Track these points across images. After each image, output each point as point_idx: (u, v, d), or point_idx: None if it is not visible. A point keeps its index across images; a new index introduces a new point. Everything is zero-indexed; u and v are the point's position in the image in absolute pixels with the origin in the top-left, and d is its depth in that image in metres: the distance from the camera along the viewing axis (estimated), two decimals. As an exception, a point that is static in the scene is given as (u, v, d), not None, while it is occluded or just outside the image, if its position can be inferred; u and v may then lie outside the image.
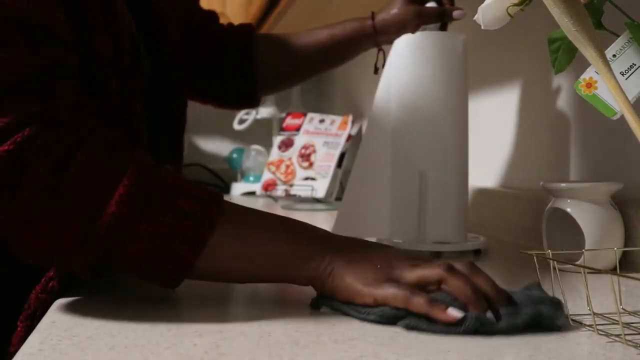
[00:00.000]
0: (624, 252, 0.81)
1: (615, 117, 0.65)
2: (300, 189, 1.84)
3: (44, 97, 0.57)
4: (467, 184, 0.97)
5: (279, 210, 1.64)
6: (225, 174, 2.43)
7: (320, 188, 1.81)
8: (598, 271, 0.57)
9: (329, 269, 0.57)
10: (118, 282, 0.72)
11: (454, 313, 0.50)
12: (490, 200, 1.16)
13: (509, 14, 0.64)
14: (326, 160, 1.86)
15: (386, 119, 0.97)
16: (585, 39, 0.55)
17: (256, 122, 2.27)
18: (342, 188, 2.01)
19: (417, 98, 0.93)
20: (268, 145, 2.34)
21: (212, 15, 1.09)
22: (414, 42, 0.95)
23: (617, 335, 0.50)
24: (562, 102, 0.99)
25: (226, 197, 2.09)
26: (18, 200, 0.54)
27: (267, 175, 1.96)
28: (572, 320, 0.54)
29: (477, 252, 0.93)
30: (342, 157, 1.87)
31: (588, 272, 0.50)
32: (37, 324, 0.55)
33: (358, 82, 2.08)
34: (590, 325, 0.53)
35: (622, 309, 0.58)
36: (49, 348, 0.47)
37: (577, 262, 0.77)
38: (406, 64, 0.95)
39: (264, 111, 2.23)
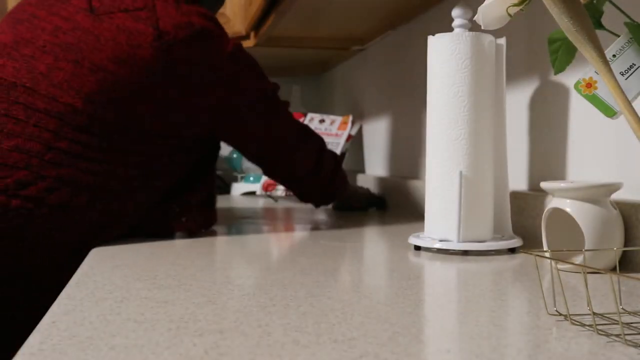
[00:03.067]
0: (624, 252, 0.81)
1: (615, 117, 0.65)
2: (300, 189, 1.83)
3: None
4: (507, 184, 0.99)
5: (278, 211, 1.64)
6: (225, 174, 2.43)
7: (320, 188, 1.80)
8: (598, 271, 0.57)
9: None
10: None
11: None
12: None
13: (508, 14, 0.64)
14: (326, 160, 1.86)
15: (429, 118, 0.98)
16: (585, 39, 0.55)
17: (256, 122, 2.26)
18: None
19: (460, 97, 0.94)
20: (268, 145, 2.34)
21: None
22: (456, 42, 0.94)
23: (617, 335, 0.50)
24: (562, 102, 0.99)
25: (226, 197, 2.07)
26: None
27: (267, 175, 1.95)
28: (572, 320, 0.54)
29: (512, 251, 0.94)
30: (342, 157, 1.87)
31: (588, 272, 0.50)
32: None
33: (358, 82, 2.08)
34: (590, 325, 0.53)
35: (622, 309, 0.58)
36: (49, 348, 0.47)
37: (577, 262, 0.77)
38: (448, 63, 0.94)
39: (264, 111, 2.22)
